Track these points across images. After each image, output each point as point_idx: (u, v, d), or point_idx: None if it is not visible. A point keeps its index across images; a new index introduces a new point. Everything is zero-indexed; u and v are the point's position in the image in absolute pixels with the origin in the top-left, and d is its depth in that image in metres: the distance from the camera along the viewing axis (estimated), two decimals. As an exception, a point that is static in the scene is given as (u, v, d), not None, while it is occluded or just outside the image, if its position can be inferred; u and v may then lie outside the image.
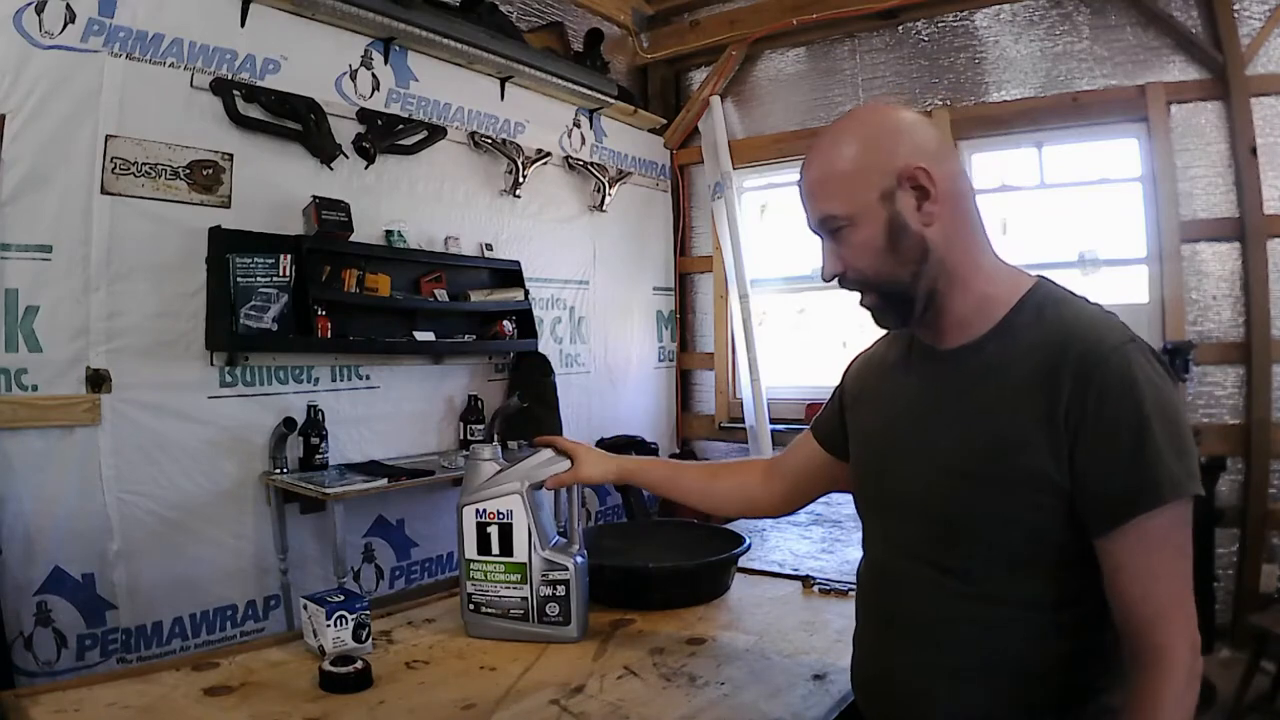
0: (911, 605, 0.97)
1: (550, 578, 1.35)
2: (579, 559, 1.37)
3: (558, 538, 1.42)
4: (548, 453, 1.41)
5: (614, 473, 1.41)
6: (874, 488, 1.07)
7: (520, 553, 1.36)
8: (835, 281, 1.01)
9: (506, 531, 1.36)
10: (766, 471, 1.36)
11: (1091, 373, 0.85)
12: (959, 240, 0.95)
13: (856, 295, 1.01)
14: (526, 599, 1.36)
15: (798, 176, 1.02)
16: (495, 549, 1.36)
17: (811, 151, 1.00)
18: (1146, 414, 0.83)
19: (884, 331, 1.08)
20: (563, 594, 1.35)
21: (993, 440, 0.90)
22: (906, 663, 0.97)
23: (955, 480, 0.92)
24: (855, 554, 1.59)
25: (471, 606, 1.38)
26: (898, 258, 0.94)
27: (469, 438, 3.43)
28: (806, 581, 1.67)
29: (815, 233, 1.01)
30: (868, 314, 1.02)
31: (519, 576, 1.36)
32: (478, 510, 1.37)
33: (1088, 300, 0.96)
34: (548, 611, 1.35)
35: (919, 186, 0.92)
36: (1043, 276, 0.98)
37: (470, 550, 1.37)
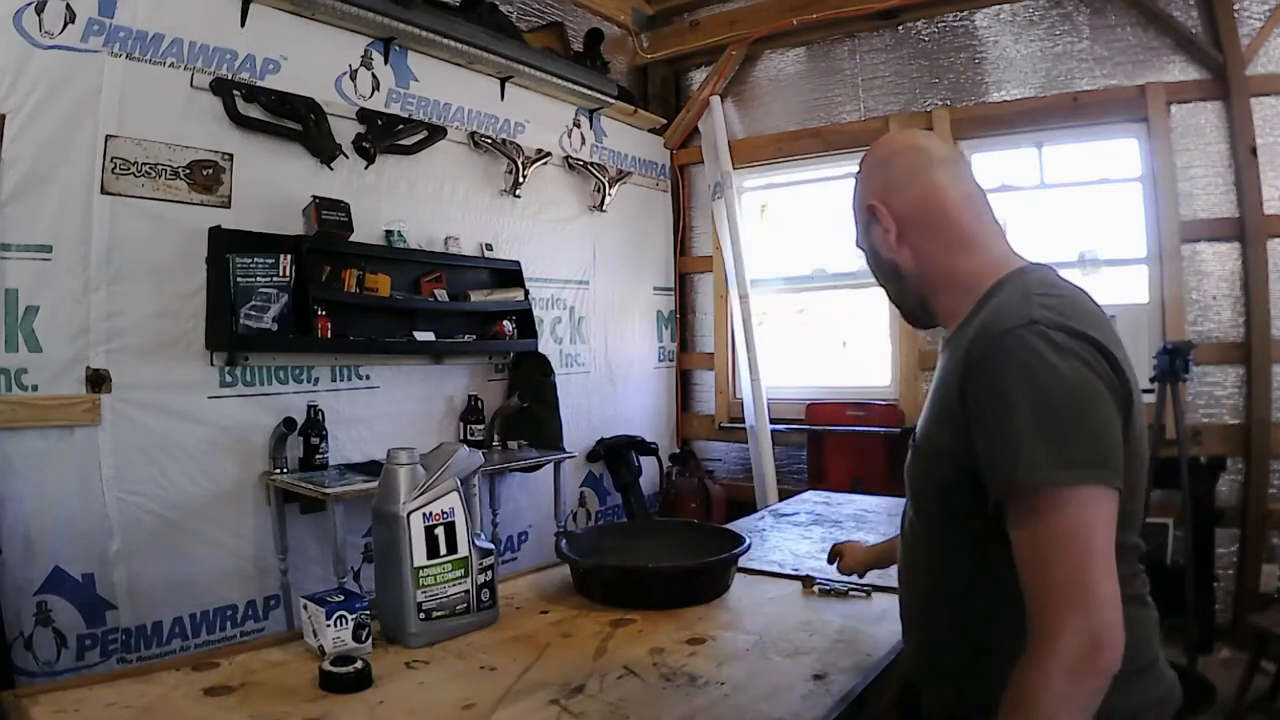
0: (906, 557, 1.13)
1: (484, 564, 1.42)
2: (490, 542, 1.47)
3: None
4: (460, 447, 1.45)
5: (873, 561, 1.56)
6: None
7: (463, 547, 1.39)
8: None
9: (450, 530, 1.38)
10: None
11: (980, 356, 0.90)
12: (930, 255, 1.05)
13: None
14: (469, 591, 1.40)
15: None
16: (443, 549, 1.37)
17: None
18: (1009, 396, 0.85)
19: None
20: (490, 578, 1.44)
21: (933, 417, 1.01)
22: (907, 600, 1.12)
23: (915, 453, 1.06)
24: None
25: (423, 616, 1.35)
26: (884, 277, 1.12)
27: (469, 438, 3.43)
28: (807, 581, 1.67)
29: None
30: None
31: (462, 571, 1.39)
32: (425, 514, 1.36)
33: (1052, 282, 0.98)
34: (482, 598, 1.42)
35: (878, 213, 1.07)
36: (1031, 264, 1.03)
37: (420, 558, 1.35)
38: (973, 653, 0.98)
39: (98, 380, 2.43)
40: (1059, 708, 0.80)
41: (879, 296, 4.27)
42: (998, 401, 0.86)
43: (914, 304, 1.09)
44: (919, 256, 1.05)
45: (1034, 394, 0.84)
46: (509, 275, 3.65)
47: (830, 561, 1.63)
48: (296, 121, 2.91)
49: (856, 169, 1.14)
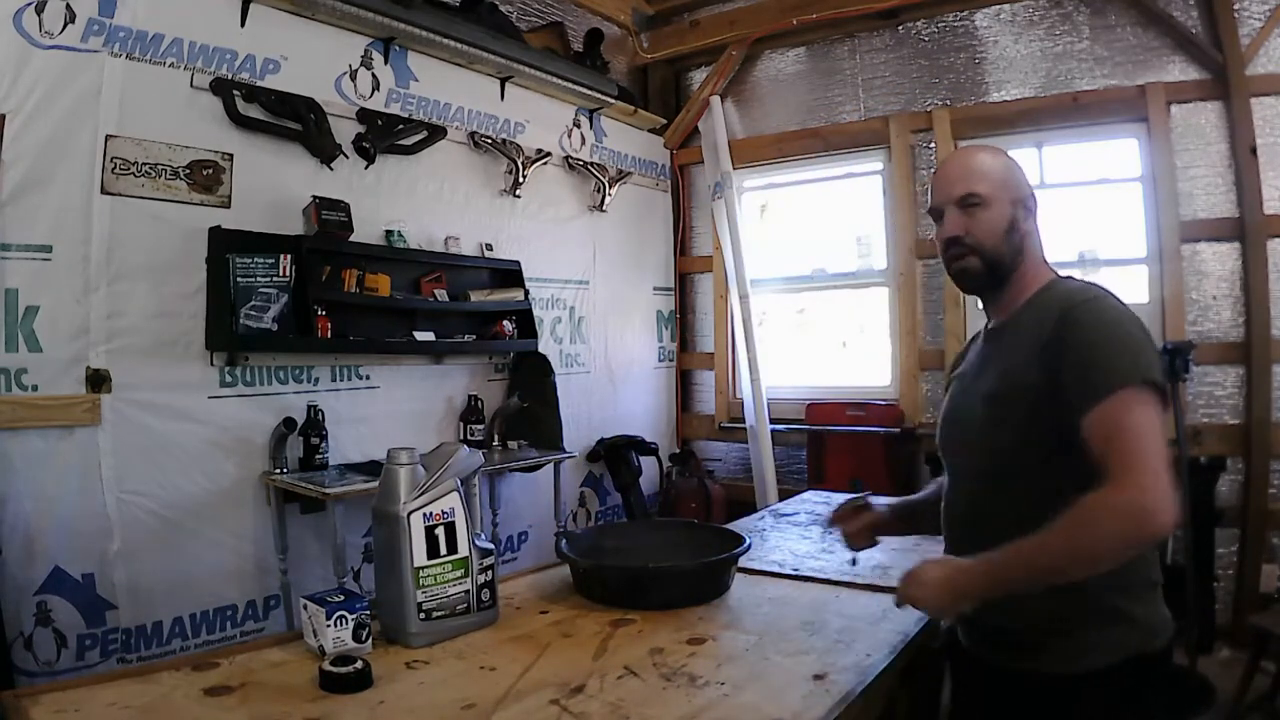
0: (970, 511, 1.35)
1: (484, 564, 1.42)
2: (490, 542, 1.48)
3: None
4: (460, 447, 1.45)
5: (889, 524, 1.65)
6: (945, 428, 1.44)
7: (463, 547, 1.39)
8: (943, 246, 1.38)
9: (451, 530, 1.38)
10: None
11: (1065, 315, 1.24)
12: (1029, 246, 1.38)
13: (942, 263, 1.41)
14: (469, 591, 1.40)
15: (939, 169, 1.43)
16: (443, 549, 1.37)
17: (962, 154, 1.47)
18: (1094, 336, 1.20)
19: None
20: (490, 578, 1.44)
21: (1007, 370, 1.30)
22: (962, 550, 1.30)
23: (988, 402, 1.31)
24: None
25: (423, 615, 1.35)
26: (1006, 242, 1.35)
27: (469, 438, 3.43)
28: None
29: (937, 209, 1.39)
30: (958, 276, 1.39)
31: (462, 571, 1.39)
32: (425, 514, 1.36)
33: (1082, 281, 1.33)
34: (482, 598, 1.42)
35: (1030, 209, 1.38)
36: (1065, 276, 1.37)
37: (420, 558, 1.35)
38: None
39: (98, 380, 2.43)
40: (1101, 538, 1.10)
41: (879, 296, 4.35)
42: (1086, 339, 1.20)
43: (1006, 269, 1.35)
44: (1026, 243, 1.36)
45: (1111, 328, 1.21)
46: (509, 275, 3.65)
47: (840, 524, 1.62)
48: (296, 121, 2.91)
49: (997, 152, 1.40)
